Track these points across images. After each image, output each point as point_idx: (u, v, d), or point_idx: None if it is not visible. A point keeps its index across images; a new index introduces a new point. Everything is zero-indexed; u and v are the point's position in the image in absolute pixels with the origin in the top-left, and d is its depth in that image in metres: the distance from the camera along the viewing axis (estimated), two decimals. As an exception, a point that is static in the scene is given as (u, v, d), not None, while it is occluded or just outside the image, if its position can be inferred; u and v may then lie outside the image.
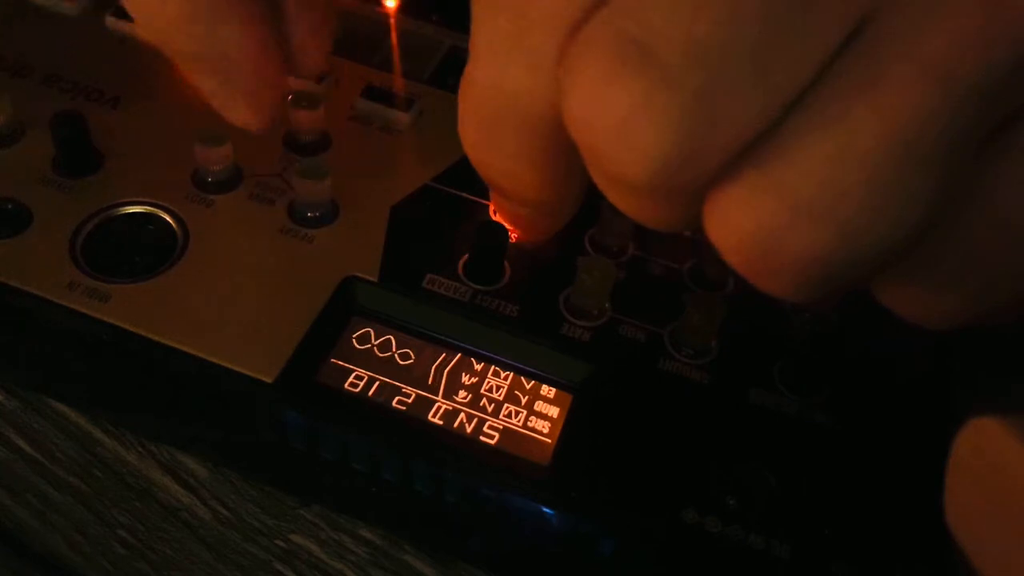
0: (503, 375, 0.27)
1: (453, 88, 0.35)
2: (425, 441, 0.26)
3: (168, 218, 0.30)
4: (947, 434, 0.19)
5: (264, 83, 0.26)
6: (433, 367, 0.27)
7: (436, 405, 0.27)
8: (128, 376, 0.29)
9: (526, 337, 0.28)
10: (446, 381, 0.27)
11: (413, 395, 0.27)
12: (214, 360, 0.27)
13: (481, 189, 0.31)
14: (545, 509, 0.25)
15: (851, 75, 0.17)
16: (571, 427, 0.27)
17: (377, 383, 0.27)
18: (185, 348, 0.27)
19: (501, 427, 0.26)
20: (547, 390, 0.27)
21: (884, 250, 0.17)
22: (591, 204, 0.31)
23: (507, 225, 0.29)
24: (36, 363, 0.30)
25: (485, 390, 0.27)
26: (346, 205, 0.30)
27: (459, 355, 0.28)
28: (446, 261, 0.29)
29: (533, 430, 0.27)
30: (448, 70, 0.35)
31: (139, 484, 0.29)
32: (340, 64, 0.35)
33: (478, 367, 0.28)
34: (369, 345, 0.28)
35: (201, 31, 0.24)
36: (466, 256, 0.30)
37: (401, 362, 0.27)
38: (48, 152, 0.30)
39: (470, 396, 0.27)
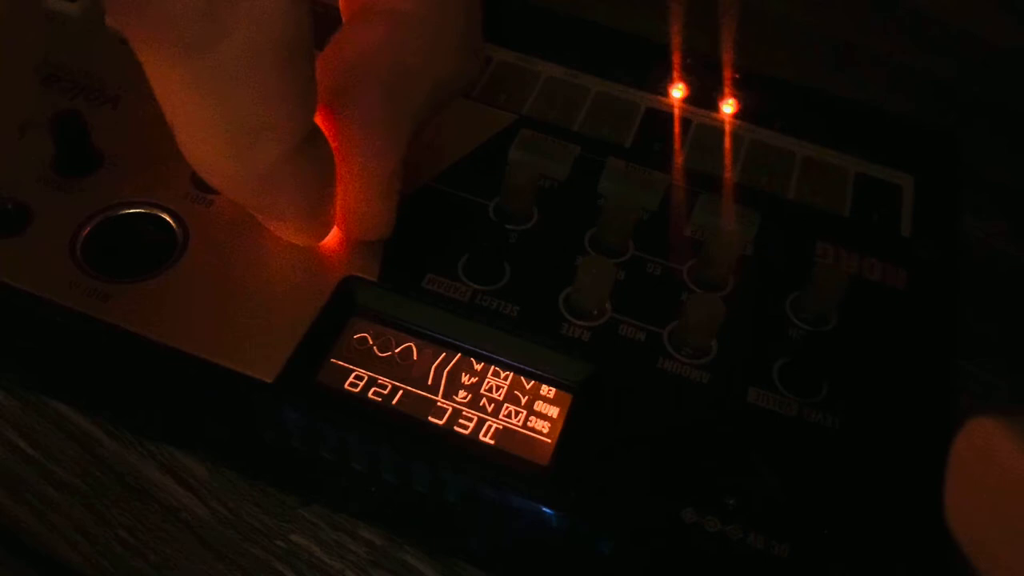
0: (503, 375, 0.28)
1: (453, 88, 0.35)
2: (425, 441, 0.26)
3: (168, 218, 0.30)
4: (947, 434, 0.19)
5: (315, 223, 0.28)
6: (433, 367, 0.27)
7: (436, 405, 0.27)
8: (128, 376, 0.29)
9: (526, 337, 0.28)
10: (446, 381, 0.27)
11: (413, 395, 0.27)
12: (214, 360, 0.27)
13: (481, 189, 0.31)
14: (545, 509, 0.25)
15: None
16: (571, 427, 0.27)
17: (377, 383, 0.27)
18: (185, 348, 0.27)
19: (501, 427, 0.26)
20: (547, 390, 0.27)
21: None
22: (591, 204, 0.32)
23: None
24: (36, 363, 0.30)
25: (485, 390, 0.27)
26: (346, 205, 0.30)
27: (459, 355, 0.28)
28: (446, 261, 0.29)
29: (533, 430, 0.27)
30: (448, 70, 0.35)
31: (139, 484, 0.29)
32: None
33: (478, 367, 0.28)
34: (369, 345, 0.28)
35: (259, 193, 0.25)
36: (466, 256, 0.30)
37: (401, 362, 0.27)
38: (48, 152, 0.30)
39: (470, 396, 0.27)
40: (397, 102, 0.26)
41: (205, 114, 0.23)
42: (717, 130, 0.35)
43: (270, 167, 0.24)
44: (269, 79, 0.22)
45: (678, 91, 0.36)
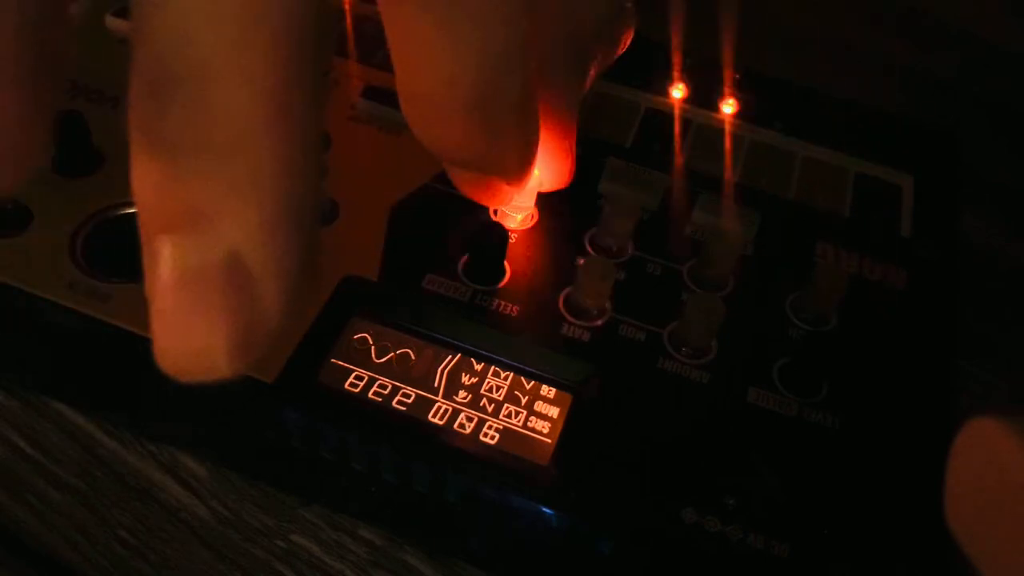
0: (503, 375, 0.27)
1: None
2: (425, 441, 0.26)
3: (168, 218, 0.30)
4: (947, 434, 0.19)
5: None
6: (433, 367, 0.27)
7: (436, 405, 0.27)
8: (128, 376, 0.29)
9: (526, 337, 0.28)
10: (446, 381, 0.27)
11: (413, 395, 0.27)
12: (214, 360, 0.27)
13: (481, 189, 0.31)
14: (545, 509, 0.25)
15: None
16: (571, 427, 0.27)
17: (377, 383, 0.27)
18: (185, 348, 0.27)
19: (501, 427, 0.26)
20: (547, 390, 0.27)
21: None
22: (591, 204, 0.32)
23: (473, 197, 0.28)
24: (36, 363, 0.30)
25: (485, 390, 0.27)
26: (346, 205, 0.30)
27: (459, 355, 0.28)
28: (446, 261, 0.29)
29: (533, 430, 0.27)
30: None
31: (139, 484, 0.29)
32: (340, 64, 0.35)
33: (478, 367, 0.28)
34: (369, 345, 0.28)
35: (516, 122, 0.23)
36: (466, 256, 0.30)
37: (401, 362, 0.27)
38: (48, 152, 0.30)
39: (470, 396, 0.27)
40: None
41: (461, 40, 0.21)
42: (717, 130, 0.35)
43: (523, 90, 0.22)
44: None
45: (678, 91, 0.36)
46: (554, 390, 0.27)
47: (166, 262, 0.17)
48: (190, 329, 0.18)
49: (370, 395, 0.27)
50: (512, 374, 0.28)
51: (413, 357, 0.28)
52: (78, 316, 0.27)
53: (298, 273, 0.17)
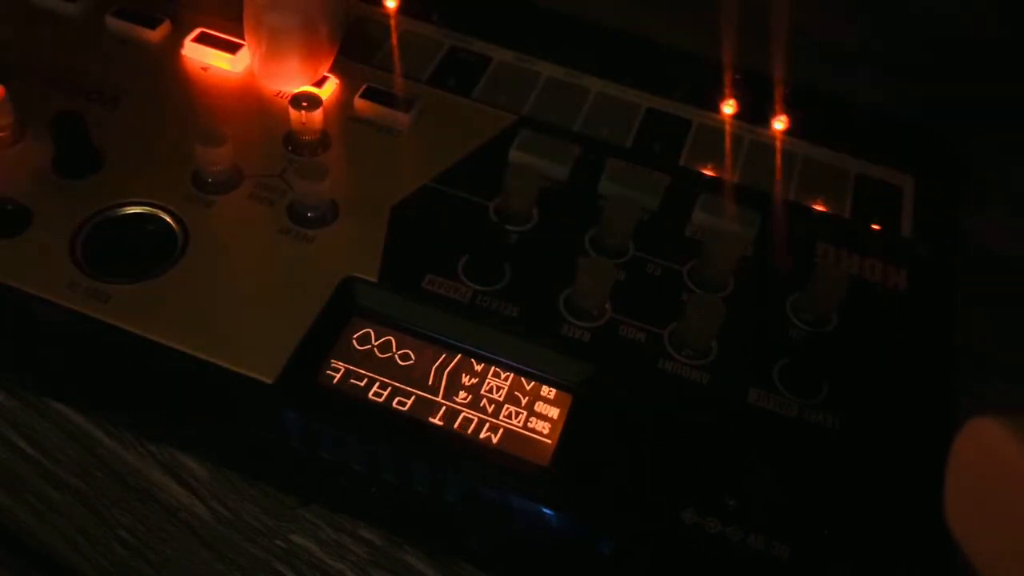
0: (503, 376, 0.27)
1: (453, 88, 0.35)
2: (425, 441, 0.26)
3: (168, 218, 0.30)
4: (947, 434, 0.19)
5: None
6: (433, 368, 0.27)
7: (436, 406, 0.27)
8: (128, 376, 0.29)
9: (526, 337, 0.28)
10: (446, 382, 0.27)
11: (413, 396, 0.27)
12: (214, 360, 0.27)
13: (481, 189, 0.31)
14: (545, 509, 0.25)
15: None
16: (571, 427, 0.27)
17: (377, 384, 0.27)
18: (185, 348, 0.27)
19: (501, 428, 0.26)
20: (547, 391, 0.27)
21: None
22: (591, 204, 0.32)
23: None
24: (36, 363, 0.30)
25: (485, 391, 0.27)
26: (346, 205, 0.30)
27: (459, 356, 0.28)
28: (446, 261, 0.29)
29: (533, 431, 0.27)
30: (448, 70, 0.35)
31: (139, 484, 0.29)
32: (340, 64, 0.35)
33: (478, 368, 0.28)
34: (369, 346, 0.28)
35: None
36: (466, 257, 0.30)
37: (401, 363, 0.27)
38: (48, 152, 0.30)
39: (470, 397, 0.27)
40: None
41: None
42: (717, 131, 0.35)
43: None
44: None
45: (679, 92, 0.36)
46: (554, 390, 0.27)
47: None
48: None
49: (370, 395, 0.27)
50: (512, 375, 0.28)
51: (413, 357, 0.28)
52: (78, 316, 0.27)
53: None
